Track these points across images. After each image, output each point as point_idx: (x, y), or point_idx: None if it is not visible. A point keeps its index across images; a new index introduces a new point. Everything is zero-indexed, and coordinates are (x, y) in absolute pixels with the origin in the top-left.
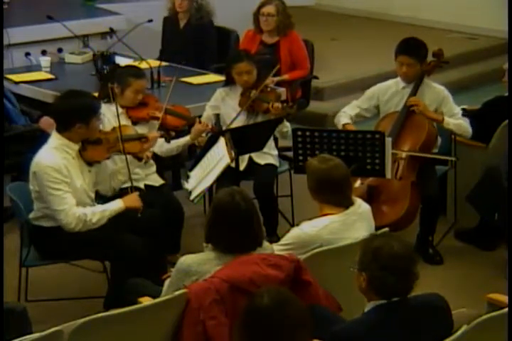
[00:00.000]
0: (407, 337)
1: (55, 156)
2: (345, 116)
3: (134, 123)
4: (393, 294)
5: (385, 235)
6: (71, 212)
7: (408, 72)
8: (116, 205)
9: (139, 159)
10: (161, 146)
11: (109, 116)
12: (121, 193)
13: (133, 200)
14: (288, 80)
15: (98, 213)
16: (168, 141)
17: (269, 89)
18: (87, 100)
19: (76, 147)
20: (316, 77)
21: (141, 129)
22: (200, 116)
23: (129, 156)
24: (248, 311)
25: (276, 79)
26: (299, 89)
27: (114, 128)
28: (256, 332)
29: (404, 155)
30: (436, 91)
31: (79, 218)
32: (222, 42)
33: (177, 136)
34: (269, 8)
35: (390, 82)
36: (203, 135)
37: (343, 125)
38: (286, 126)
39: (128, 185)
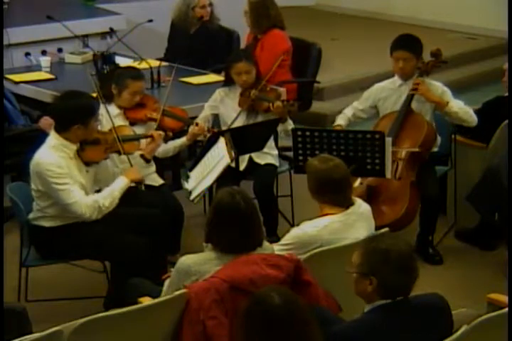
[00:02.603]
0: (407, 337)
1: (53, 155)
2: (343, 117)
3: (132, 124)
4: (401, 294)
5: (385, 236)
6: (83, 203)
7: (405, 68)
8: (122, 182)
9: (147, 160)
10: (158, 147)
11: (107, 117)
12: (127, 192)
13: (134, 173)
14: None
15: (108, 196)
16: (165, 141)
17: (268, 88)
18: (86, 101)
19: (74, 147)
20: (317, 82)
21: (138, 130)
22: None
23: (137, 157)
24: (259, 311)
25: None
26: (290, 92)
27: (111, 129)
28: (270, 332)
29: (403, 154)
30: (434, 88)
31: (92, 206)
32: (225, 44)
33: (175, 137)
34: (245, 6)
35: (387, 81)
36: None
37: (334, 126)
38: (291, 124)
39: (132, 184)
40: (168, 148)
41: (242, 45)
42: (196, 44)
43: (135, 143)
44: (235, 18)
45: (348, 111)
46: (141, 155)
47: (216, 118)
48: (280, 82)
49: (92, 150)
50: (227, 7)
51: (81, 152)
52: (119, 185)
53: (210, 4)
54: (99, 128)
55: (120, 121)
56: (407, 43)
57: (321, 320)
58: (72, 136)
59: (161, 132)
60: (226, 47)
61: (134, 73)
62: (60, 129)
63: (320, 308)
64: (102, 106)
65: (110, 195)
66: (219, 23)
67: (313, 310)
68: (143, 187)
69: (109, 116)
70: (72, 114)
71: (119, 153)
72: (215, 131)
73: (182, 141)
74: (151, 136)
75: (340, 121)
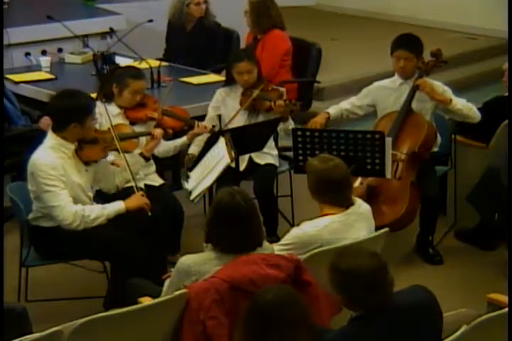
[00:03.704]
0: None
1: (50, 155)
2: (335, 108)
3: (132, 123)
4: (377, 305)
5: (347, 252)
6: (67, 208)
7: (406, 67)
8: (117, 205)
9: (146, 159)
10: (159, 147)
11: (106, 116)
12: (125, 192)
13: (135, 200)
14: None
15: (96, 210)
16: (165, 139)
17: (270, 88)
18: (82, 100)
19: (72, 146)
20: (317, 82)
21: (138, 130)
22: (199, 117)
23: (137, 156)
24: (250, 307)
25: None
26: (290, 92)
27: (109, 128)
28: (254, 327)
29: (403, 157)
30: (435, 87)
31: (76, 214)
32: (224, 43)
33: (176, 136)
34: (245, 6)
35: (387, 80)
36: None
37: (321, 113)
38: (291, 124)
39: (131, 184)
40: (169, 147)
41: (242, 45)
42: (194, 42)
43: (134, 142)
44: (235, 18)
45: (344, 105)
46: (141, 154)
47: (221, 118)
48: (281, 82)
49: (90, 149)
50: (227, 7)
51: (79, 151)
52: (114, 206)
53: (205, 1)
54: (97, 127)
55: (120, 121)
56: (408, 43)
57: None
58: (69, 135)
59: (160, 130)
60: (224, 44)
61: (135, 72)
62: (57, 129)
63: None
64: (100, 105)
65: (99, 211)
66: (215, 20)
67: None
68: (149, 213)
69: (108, 115)
70: (69, 112)
71: (118, 151)
72: (216, 130)
73: (183, 140)
74: (151, 134)
75: (331, 110)
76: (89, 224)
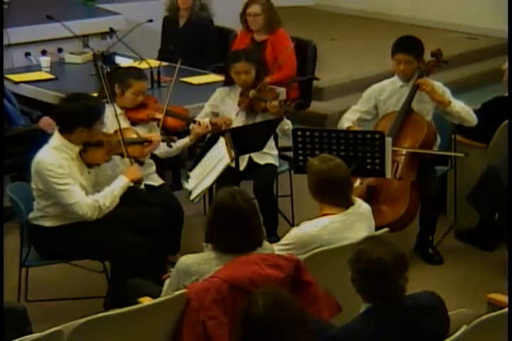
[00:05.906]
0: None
1: (55, 155)
2: (347, 120)
3: (133, 124)
4: (370, 298)
5: (378, 239)
6: (84, 203)
7: (406, 70)
8: (121, 182)
9: (140, 163)
10: (160, 148)
11: (112, 118)
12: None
13: (134, 172)
14: (273, 82)
15: (108, 195)
16: (169, 145)
17: (267, 88)
18: (92, 104)
19: (76, 149)
20: (316, 78)
21: (140, 130)
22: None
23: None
24: (245, 320)
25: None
26: (293, 90)
27: (116, 131)
28: (253, 339)
29: (404, 152)
30: (436, 88)
31: (93, 206)
32: (222, 42)
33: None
34: (255, 8)
35: (387, 81)
36: None
37: (347, 128)
38: (287, 124)
39: (131, 184)
40: (172, 148)
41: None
42: (186, 38)
43: (139, 147)
44: (235, 18)
45: (351, 115)
46: (134, 158)
47: (216, 117)
48: (280, 81)
49: (94, 151)
50: (226, 7)
51: (84, 153)
52: (119, 184)
53: None
54: (104, 130)
55: (122, 121)
56: (409, 46)
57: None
58: (75, 137)
59: (160, 138)
60: (218, 42)
61: (137, 73)
62: (64, 131)
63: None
64: (108, 106)
65: (110, 194)
66: (208, 15)
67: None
68: (141, 186)
69: (117, 118)
70: (77, 116)
71: (122, 155)
72: (218, 124)
73: (185, 141)
74: (150, 141)
75: (348, 124)
76: (107, 210)
